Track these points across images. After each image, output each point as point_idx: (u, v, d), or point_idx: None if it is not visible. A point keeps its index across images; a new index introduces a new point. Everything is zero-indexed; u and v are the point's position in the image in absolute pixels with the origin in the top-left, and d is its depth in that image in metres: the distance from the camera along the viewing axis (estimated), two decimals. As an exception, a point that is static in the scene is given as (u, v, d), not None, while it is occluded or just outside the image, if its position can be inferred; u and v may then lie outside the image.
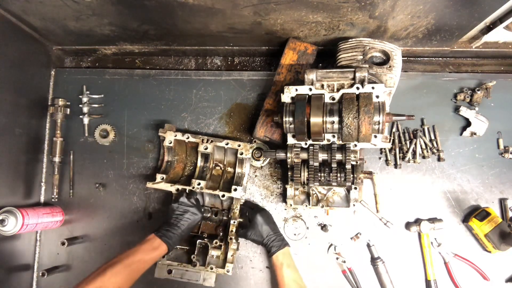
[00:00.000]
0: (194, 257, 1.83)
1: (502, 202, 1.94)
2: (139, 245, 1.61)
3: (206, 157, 2.02)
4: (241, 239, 1.97)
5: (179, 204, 1.79)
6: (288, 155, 1.76)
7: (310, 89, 1.70)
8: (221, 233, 1.93)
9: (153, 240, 1.65)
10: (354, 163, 1.71)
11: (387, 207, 1.97)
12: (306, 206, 1.87)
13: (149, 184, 1.91)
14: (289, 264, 1.77)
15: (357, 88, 1.64)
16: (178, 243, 1.75)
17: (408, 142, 2.00)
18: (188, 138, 1.96)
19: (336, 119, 1.63)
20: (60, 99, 2.11)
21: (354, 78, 1.67)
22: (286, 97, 1.72)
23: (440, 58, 2.17)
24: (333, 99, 1.68)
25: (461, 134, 2.00)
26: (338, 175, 1.73)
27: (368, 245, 1.95)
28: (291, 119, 1.68)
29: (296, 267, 1.80)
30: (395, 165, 2.00)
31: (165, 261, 1.83)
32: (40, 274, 1.99)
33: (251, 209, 1.95)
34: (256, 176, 2.08)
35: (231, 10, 1.65)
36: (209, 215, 1.95)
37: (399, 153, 2.00)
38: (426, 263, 1.90)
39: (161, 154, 2.06)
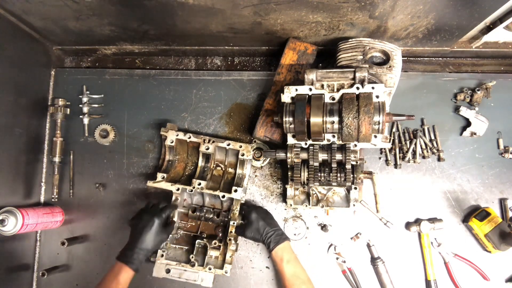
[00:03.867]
0: (192, 257, 1.83)
1: (502, 202, 1.95)
2: (104, 276, 1.62)
3: (207, 157, 2.02)
4: (240, 239, 1.97)
5: (135, 220, 1.77)
6: (288, 155, 1.76)
7: (310, 89, 1.70)
8: (220, 234, 1.93)
9: (115, 267, 1.63)
10: (354, 163, 1.71)
11: (387, 207, 1.97)
12: (306, 206, 1.87)
13: (150, 183, 1.91)
14: (289, 258, 1.73)
15: (357, 88, 1.64)
16: (144, 259, 1.70)
17: (408, 142, 2.00)
18: (189, 138, 1.96)
19: (336, 119, 1.63)
20: (60, 99, 2.11)
21: (354, 78, 1.67)
22: (286, 97, 1.72)
23: (440, 58, 2.17)
24: (333, 99, 1.68)
25: (461, 134, 2.00)
26: (338, 175, 1.73)
27: (368, 245, 1.95)
28: (291, 119, 1.68)
29: (298, 260, 1.76)
30: (395, 165, 2.00)
31: (163, 260, 1.83)
32: (40, 274, 1.99)
33: (247, 207, 1.94)
34: (256, 176, 2.08)
35: (231, 10, 1.65)
36: (211, 216, 1.95)
37: (399, 153, 2.00)
38: (426, 263, 1.90)
39: (162, 153, 2.06)
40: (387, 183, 1.99)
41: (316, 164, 1.73)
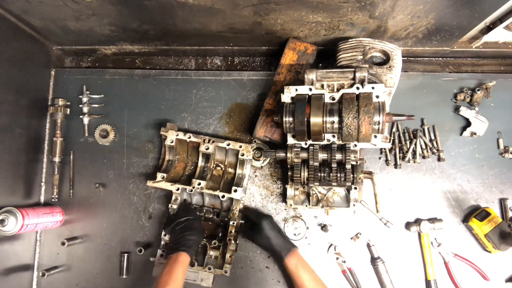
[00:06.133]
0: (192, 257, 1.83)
1: (502, 202, 1.94)
2: (166, 268, 1.60)
3: (207, 157, 2.02)
4: (240, 239, 1.97)
5: (175, 224, 1.80)
6: (288, 155, 1.76)
7: (310, 89, 1.70)
8: (220, 234, 1.93)
9: (177, 256, 1.63)
10: (354, 163, 1.71)
11: (387, 207, 1.96)
12: (306, 206, 1.87)
13: (150, 183, 1.91)
14: (304, 265, 1.77)
15: (357, 88, 1.64)
16: (196, 247, 1.76)
17: (408, 142, 2.00)
18: (189, 138, 1.96)
19: (336, 119, 1.63)
20: (60, 99, 2.11)
21: (354, 78, 1.67)
22: (286, 97, 1.72)
23: (440, 58, 2.17)
24: (333, 99, 1.68)
25: (461, 134, 2.00)
26: (338, 175, 1.73)
27: (368, 245, 1.95)
28: (291, 119, 1.68)
29: (310, 266, 1.79)
30: (395, 165, 2.00)
31: (162, 260, 1.83)
32: (40, 274, 1.99)
33: (255, 214, 1.96)
34: (256, 176, 2.08)
35: (231, 10, 1.65)
36: (210, 216, 1.95)
37: (399, 153, 2.00)
38: (426, 263, 1.90)
39: (162, 153, 2.06)
40: (387, 183, 1.99)
41: (316, 164, 1.73)
